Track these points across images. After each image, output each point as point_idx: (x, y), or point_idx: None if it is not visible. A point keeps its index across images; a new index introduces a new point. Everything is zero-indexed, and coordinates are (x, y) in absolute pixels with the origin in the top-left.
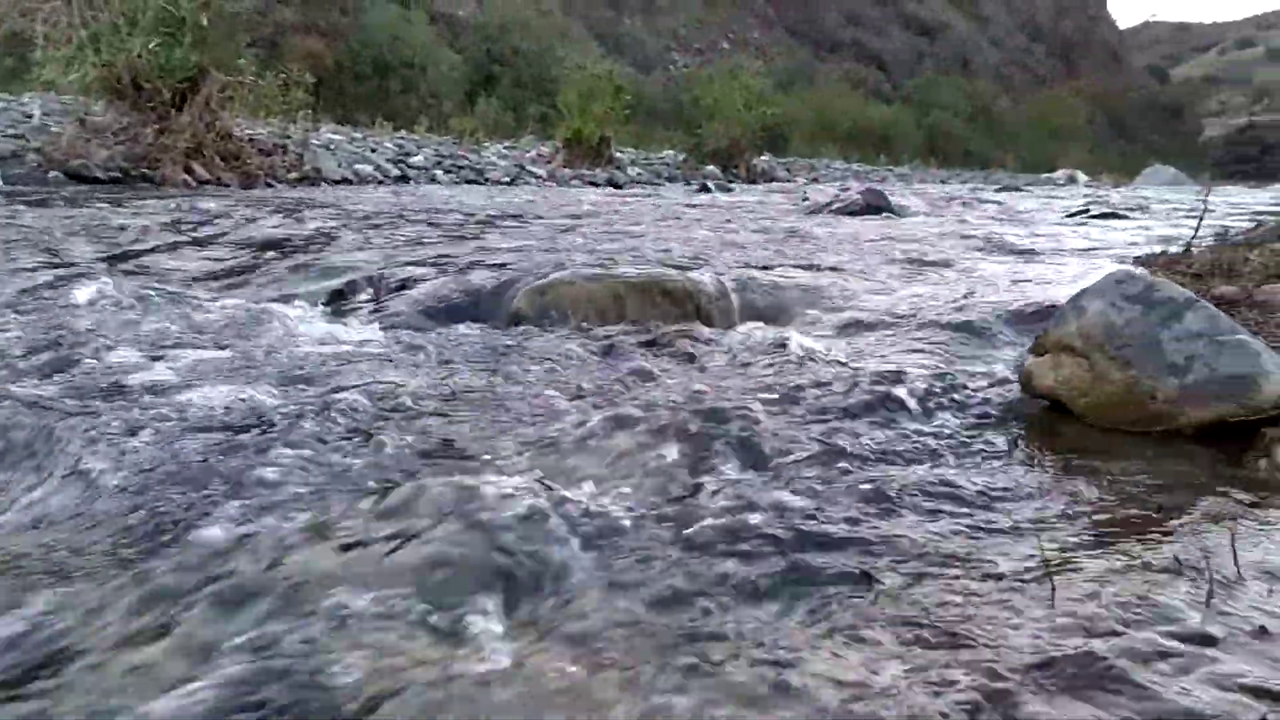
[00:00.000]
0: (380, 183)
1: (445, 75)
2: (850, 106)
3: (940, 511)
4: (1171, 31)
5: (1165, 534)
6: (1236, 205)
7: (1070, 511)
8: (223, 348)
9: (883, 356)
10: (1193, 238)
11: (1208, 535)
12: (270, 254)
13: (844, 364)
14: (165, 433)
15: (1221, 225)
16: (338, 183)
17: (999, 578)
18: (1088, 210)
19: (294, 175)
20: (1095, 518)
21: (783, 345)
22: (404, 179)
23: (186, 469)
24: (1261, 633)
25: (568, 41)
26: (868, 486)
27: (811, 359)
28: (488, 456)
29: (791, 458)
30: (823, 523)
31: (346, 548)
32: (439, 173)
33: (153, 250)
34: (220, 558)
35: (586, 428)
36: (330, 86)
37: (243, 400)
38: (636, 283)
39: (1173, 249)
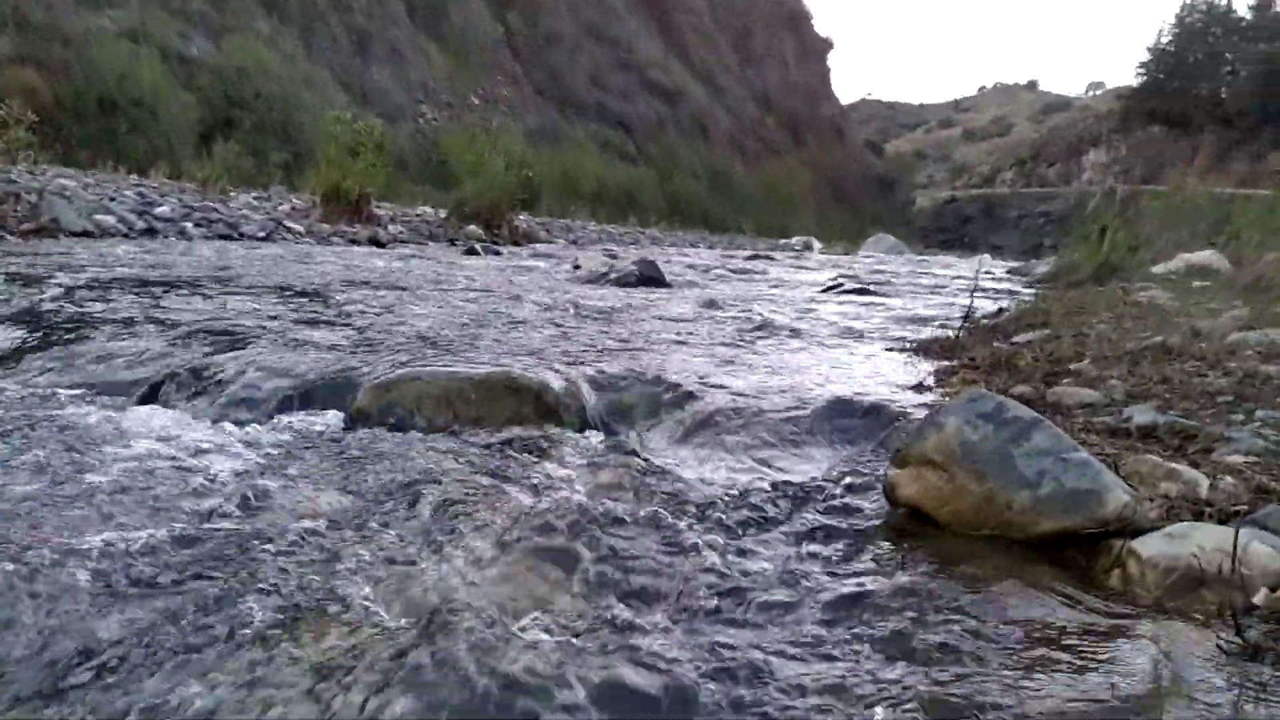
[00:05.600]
0: (126, 236)
1: (178, 116)
2: (597, 166)
3: (807, 621)
4: (883, 109)
5: (1048, 643)
6: (959, 276)
7: (945, 620)
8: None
9: (739, 462)
10: (961, 327)
11: (1083, 653)
12: (54, 332)
13: (703, 469)
14: None
15: (962, 302)
16: (78, 235)
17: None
18: (840, 285)
19: (28, 227)
20: (973, 627)
21: (636, 452)
22: (151, 232)
23: None
24: None
25: (312, 88)
26: (738, 600)
27: (668, 465)
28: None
29: (663, 573)
30: (675, 642)
31: None
32: (189, 225)
33: None
34: None
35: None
36: (49, 124)
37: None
38: (483, 380)
39: (932, 331)
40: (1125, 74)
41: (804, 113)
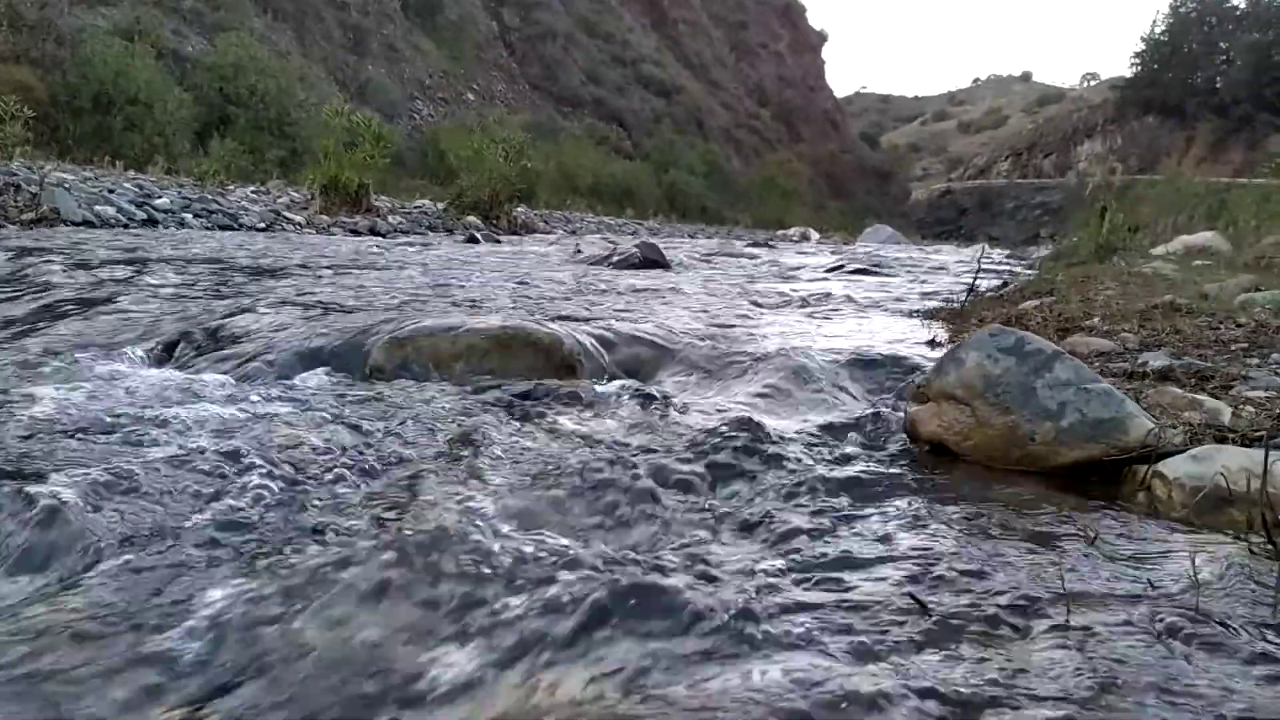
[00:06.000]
0: (126, 226)
1: (174, 113)
2: (593, 161)
3: (839, 551)
4: (878, 102)
5: (1081, 551)
6: (959, 261)
7: (977, 533)
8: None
9: (759, 408)
10: (966, 296)
11: (1118, 558)
12: (66, 305)
13: (727, 414)
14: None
15: (964, 282)
16: (78, 224)
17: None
18: (843, 266)
19: (29, 216)
20: (1007, 537)
21: (660, 398)
22: (151, 222)
23: None
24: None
25: (307, 85)
26: (773, 535)
27: (692, 411)
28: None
29: (699, 509)
30: (723, 574)
31: None
32: (189, 216)
33: None
34: None
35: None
36: (44, 121)
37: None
38: (499, 335)
39: (938, 303)
40: (1119, 64)
41: (799, 106)
